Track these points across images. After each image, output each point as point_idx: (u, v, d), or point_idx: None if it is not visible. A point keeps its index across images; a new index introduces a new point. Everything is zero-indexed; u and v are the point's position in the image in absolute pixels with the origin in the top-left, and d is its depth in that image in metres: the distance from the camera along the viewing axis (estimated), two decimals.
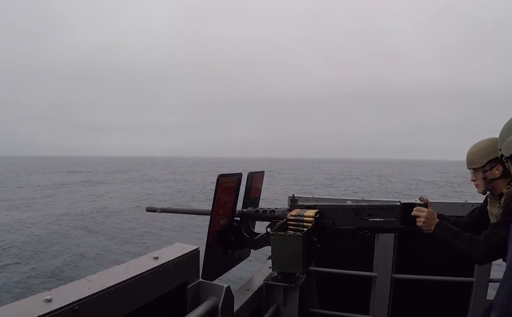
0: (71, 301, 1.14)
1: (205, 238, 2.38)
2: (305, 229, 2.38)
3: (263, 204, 3.14)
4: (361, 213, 2.53)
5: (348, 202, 2.92)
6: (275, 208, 2.76)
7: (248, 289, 2.69)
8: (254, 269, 3.28)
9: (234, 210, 2.70)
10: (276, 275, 2.71)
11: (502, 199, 2.21)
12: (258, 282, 2.78)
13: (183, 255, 1.75)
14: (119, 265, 1.53)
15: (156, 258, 1.64)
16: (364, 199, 3.35)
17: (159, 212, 3.10)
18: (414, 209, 2.41)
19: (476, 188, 2.47)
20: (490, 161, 2.31)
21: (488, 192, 2.44)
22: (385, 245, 3.34)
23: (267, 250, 2.61)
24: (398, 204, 2.50)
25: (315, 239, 2.45)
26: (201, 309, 1.70)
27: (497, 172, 2.29)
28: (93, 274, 1.42)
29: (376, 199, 3.25)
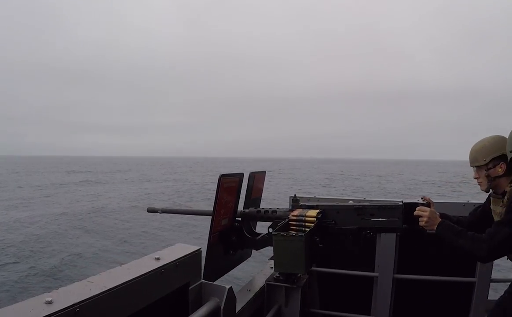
0: (72, 303, 1.13)
1: (204, 238, 2.36)
2: (307, 229, 2.36)
3: (263, 204, 3.13)
4: (363, 213, 2.52)
5: (350, 201, 2.91)
6: (277, 208, 2.74)
7: (249, 290, 2.68)
8: (255, 270, 3.26)
9: (236, 210, 2.68)
10: (277, 275, 2.70)
11: (505, 197, 2.20)
12: (260, 282, 2.77)
13: (185, 255, 1.73)
14: (121, 266, 1.52)
15: (158, 259, 1.62)
16: (366, 199, 3.33)
17: (160, 213, 3.07)
18: (417, 208, 2.40)
19: (479, 186, 2.45)
20: (493, 159, 2.30)
21: (491, 190, 2.43)
22: (387, 245, 3.32)
23: (268, 250, 2.60)
24: (401, 203, 2.48)
25: (317, 239, 2.43)
26: (203, 310, 1.68)
27: (500, 169, 2.28)
28: (93, 274, 1.40)
29: (377, 198, 3.23)
